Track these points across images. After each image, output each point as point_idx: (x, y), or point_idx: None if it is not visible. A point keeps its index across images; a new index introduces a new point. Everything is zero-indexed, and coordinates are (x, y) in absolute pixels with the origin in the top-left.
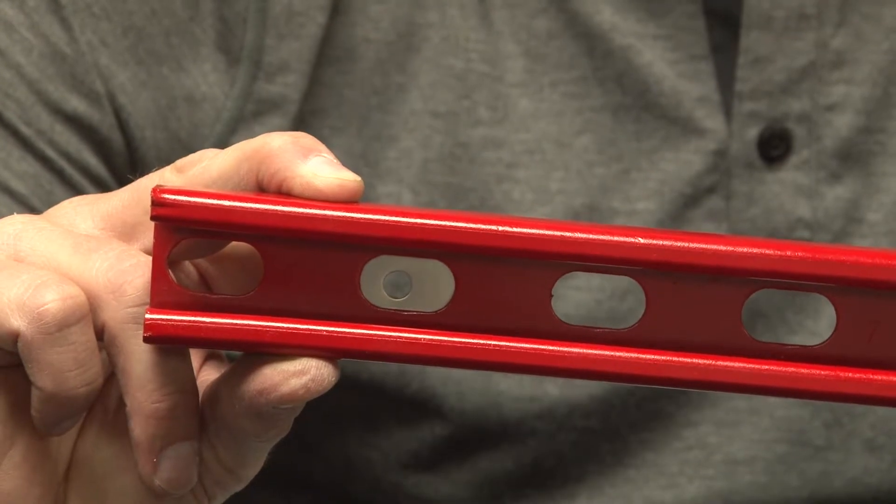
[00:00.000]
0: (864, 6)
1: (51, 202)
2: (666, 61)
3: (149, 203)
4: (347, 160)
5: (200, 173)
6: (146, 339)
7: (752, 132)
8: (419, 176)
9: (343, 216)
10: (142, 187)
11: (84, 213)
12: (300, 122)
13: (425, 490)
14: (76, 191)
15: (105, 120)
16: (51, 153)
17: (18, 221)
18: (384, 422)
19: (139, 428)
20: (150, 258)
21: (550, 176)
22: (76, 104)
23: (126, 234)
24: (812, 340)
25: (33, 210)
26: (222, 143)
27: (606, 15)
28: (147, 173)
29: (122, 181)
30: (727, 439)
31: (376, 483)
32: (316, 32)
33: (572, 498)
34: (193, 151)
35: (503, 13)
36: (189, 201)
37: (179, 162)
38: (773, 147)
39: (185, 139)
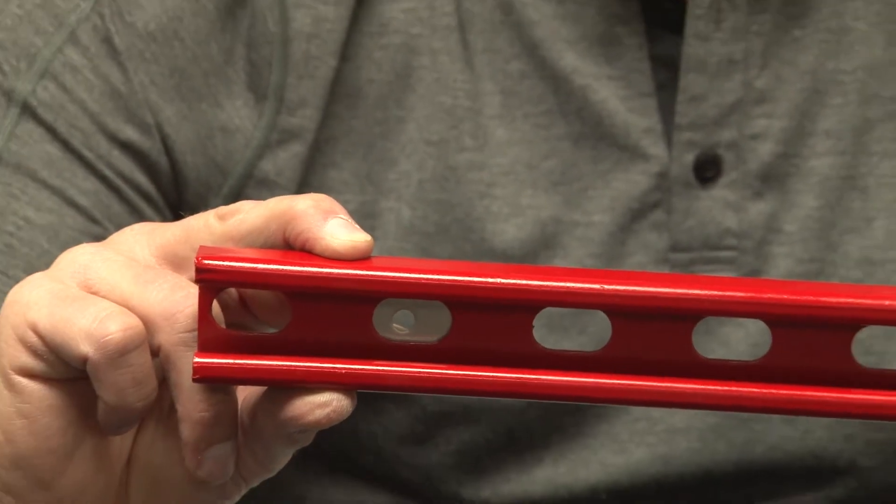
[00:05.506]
0: (783, 52)
1: (109, 214)
2: (618, 98)
3: (196, 242)
4: (355, 180)
5: (237, 225)
6: (196, 379)
7: (689, 157)
8: (415, 194)
9: (356, 274)
10: (191, 227)
11: (142, 242)
12: (316, 149)
13: (419, 458)
14: (130, 205)
15: (154, 147)
16: (109, 174)
17: (88, 252)
18: (385, 403)
19: (187, 430)
20: (198, 289)
21: (522, 193)
22: (130, 133)
23: (176, 264)
24: (738, 331)
25: (94, 220)
26: (251, 167)
27: (569, 60)
28: (189, 195)
29: (167, 197)
30: (668, 413)
31: (379, 452)
32: (328, 74)
33: (540, 461)
34: (228, 174)
35: (483, 58)
36: (226, 266)
37: (222, 210)
38: (707, 170)
39: (221, 163)
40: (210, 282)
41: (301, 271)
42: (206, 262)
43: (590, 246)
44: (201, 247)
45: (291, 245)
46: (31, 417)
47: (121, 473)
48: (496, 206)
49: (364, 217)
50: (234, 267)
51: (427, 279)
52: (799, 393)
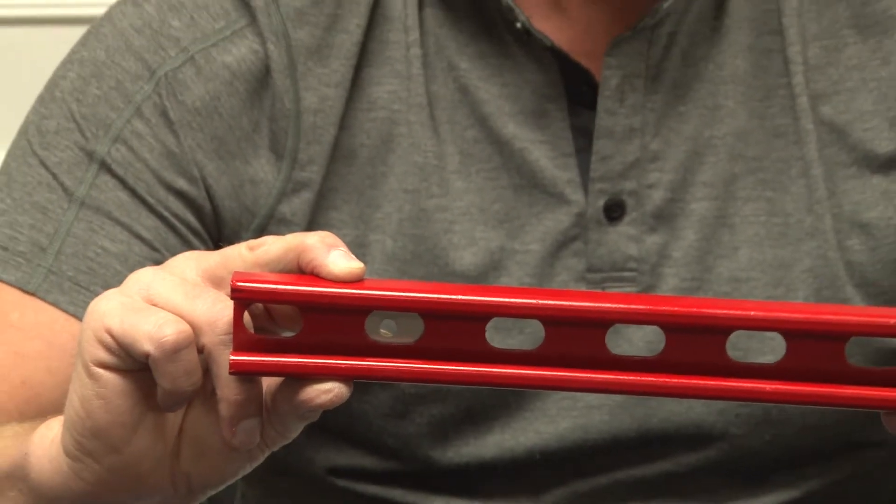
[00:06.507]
0: (671, 123)
1: (166, 245)
2: (547, 158)
3: (231, 267)
4: (350, 220)
5: (263, 254)
6: (231, 373)
7: (601, 202)
8: (396, 230)
9: (351, 293)
10: (228, 255)
11: (191, 265)
12: (321, 196)
13: (399, 429)
14: (182, 238)
15: (200, 194)
16: (167, 214)
17: (150, 273)
18: (373, 386)
19: (224, 409)
20: (233, 303)
21: (476, 229)
22: (182, 184)
23: (216, 283)
24: (638, 331)
25: (155, 249)
26: (272, 210)
27: (510, 129)
28: (227, 230)
29: (210, 232)
30: (586, 393)
31: (369, 425)
32: (330, 140)
33: (490, 430)
34: (255, 215)
35: (446, 127)
36: (254, 287)
37: (251, 242)
38: (614, 211)
39: (250, 207)
40: (242, 299)
41: (310, 290)
42: (239, 283)
43: (526, 269)
44: (235, 272)
45: (303, 270)
46: (107, 399)
47: (174, 441)
48: (456, 239)
49: (357, 247)
50: (260, 287)
51: (405, 296)
52: (686, 381)
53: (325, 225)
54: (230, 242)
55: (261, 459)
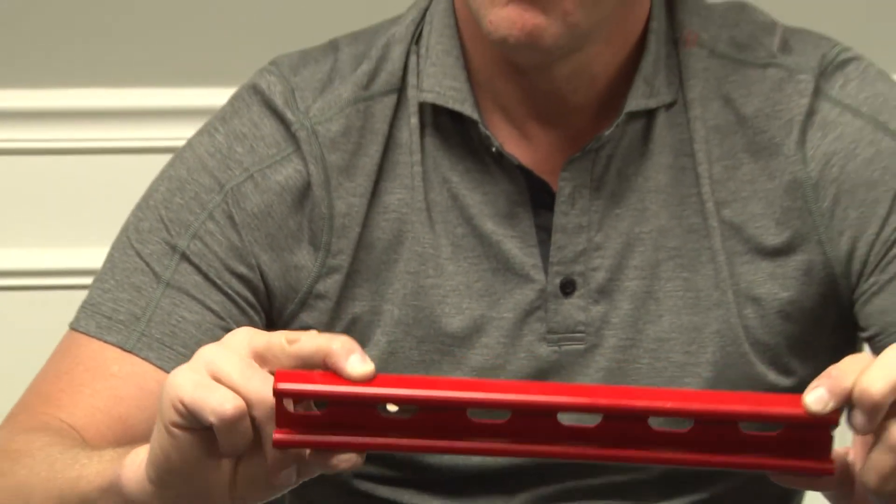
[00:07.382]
0: (610, 221)
1: (230, 315)
2: (517, 248)
3: (274, 350)
4: (369, 294)
5: (298, 349)
6: (275, 446)
7: (557, 281)
8: (402, 301)
9: (364, 392)
10: (272, 341)
11: (244, 343)
12: (348, 277)
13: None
14: (241, 310)
15: (256, 278)
16: (231, 293)
17: (213, 350)
18: None
19: (270, 460)
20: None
21: (463, 302)
22: (243, 270)
23: (262, 361)
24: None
25: (221, 318)
26: (311, 288)
27: (489, 226)
28: (276, 303)
29: (263, 305)
30: None
31: (381, 455)
32: (355, 236)
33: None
34: (298, 292)
35: (441, 225)
36: (291, 387)
37: (290, 335)
38: (567, 288)
39: (294, 286)
40: (282, 395)
41: (334, 390)
42: (280, 384)
43: (501, 331)
44: (277, 371)
45: (328, 367)
46: (180, 448)
47: (231, 476)
48: (448, 309)
49: (373, 315)
50: (296, 388)
51: (404, 394)
52: (618, 452)
53: (350, 299)
54: (280, 313)
55: (296, 485)
